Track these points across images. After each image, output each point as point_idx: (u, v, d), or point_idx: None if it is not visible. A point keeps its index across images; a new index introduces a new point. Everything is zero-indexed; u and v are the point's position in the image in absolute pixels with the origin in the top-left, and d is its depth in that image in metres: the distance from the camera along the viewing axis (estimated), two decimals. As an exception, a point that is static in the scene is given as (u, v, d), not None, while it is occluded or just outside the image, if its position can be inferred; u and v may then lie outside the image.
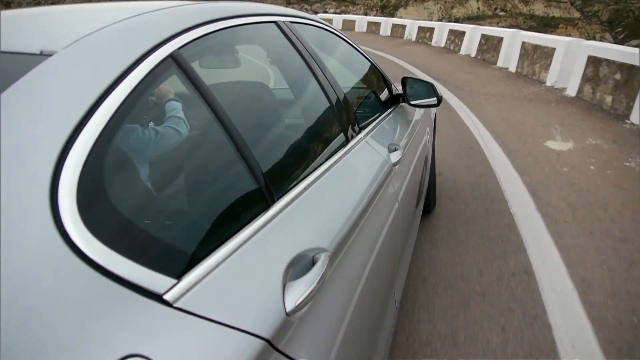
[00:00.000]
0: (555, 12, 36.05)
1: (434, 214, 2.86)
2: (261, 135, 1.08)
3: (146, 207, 0.71)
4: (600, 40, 19.01)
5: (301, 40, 1.31)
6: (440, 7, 35.89)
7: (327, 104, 1.31)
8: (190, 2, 0.97)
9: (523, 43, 7.81)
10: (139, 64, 0.69)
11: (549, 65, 6.86)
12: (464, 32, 10.75)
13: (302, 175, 1.01)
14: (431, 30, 12.79)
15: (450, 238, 2.58)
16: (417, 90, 1.96)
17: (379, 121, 1.66)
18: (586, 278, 2.17)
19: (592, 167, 3.59)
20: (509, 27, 19.95)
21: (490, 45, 9.21)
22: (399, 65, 9.00)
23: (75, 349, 0.45)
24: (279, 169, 1.02)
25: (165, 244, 0.65)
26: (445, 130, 4.47)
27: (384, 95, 1.97)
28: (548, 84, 6.75)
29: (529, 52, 7.60)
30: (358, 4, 36.76)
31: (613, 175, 3.45)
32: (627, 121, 4.81)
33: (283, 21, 1.27)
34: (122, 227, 0.59)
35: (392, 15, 32.68)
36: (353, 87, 1.89)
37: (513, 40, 8.29)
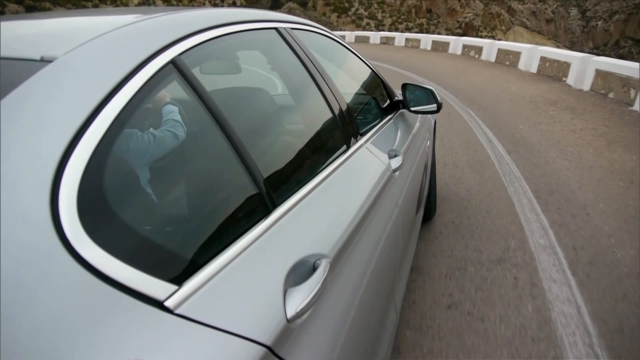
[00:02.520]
0: None
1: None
2: (262, 141, 1.08)
3: (147, 213, 0.71)
4: None
5: (302, 46, 1.31)
6: None
7: (328, 110, 1.31)
8: (191, 9, 0.98)
9: None
10: (140, 69, 0.69)
11: None
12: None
13: (302, 182, 1.01)
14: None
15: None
16: (417, 96, 1.96)
17: (379, 127, 1.66)
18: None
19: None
20: None
21: None
22: None
23: (75, 355, 0.45)
24: (280, 175, 1.01)
25: (166, 250, 0.64)
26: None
27: (385, 101, 1.97)
28: None
29: None
30: None
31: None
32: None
33: (284, 27, 1.27)
34: (123, 233, 0.58)
35: None
36: (353, 94, 1.89)
37: None
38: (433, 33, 45.88)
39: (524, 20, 68.05)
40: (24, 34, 0.81)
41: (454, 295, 2.18)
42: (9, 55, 0.65)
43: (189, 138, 0.96)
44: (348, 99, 1.54)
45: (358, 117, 1.63)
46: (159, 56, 0.74)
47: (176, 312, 0.55)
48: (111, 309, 0.50)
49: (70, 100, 0.60)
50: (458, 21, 61.28)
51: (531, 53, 10.40)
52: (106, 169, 0.59)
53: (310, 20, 1.53)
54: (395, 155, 1.53)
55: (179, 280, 0.59)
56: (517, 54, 11.04)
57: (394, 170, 1.47)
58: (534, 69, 10.02)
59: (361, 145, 1.38)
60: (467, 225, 2.91)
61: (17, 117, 0.54)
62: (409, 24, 60.61)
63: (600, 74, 7.52)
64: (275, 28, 1.24)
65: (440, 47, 15.67)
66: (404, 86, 1.98)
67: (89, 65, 0.66)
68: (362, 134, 1.46)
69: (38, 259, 0.48)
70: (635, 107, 6.23)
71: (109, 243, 0.54)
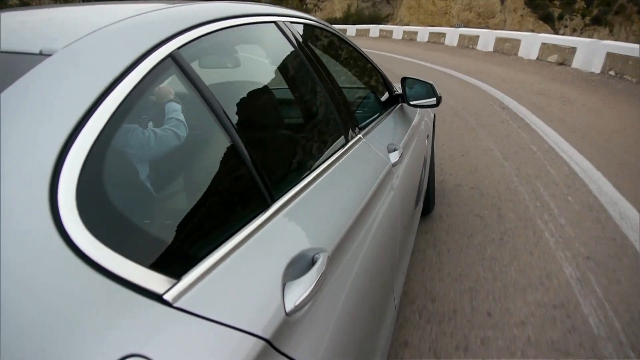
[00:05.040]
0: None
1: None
2: (260, 135, 1.08)
3: (146, 207, 0.71)
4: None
5: (301, 40, 1.31)
6: None
7: (327, 104, 1.31)
8: (190, 2, 0.97)
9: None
10: (139, 63, 0.69)
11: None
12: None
13: (301, 175, 1.01)
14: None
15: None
16: (416, 90, 1.96)
17: (378, 121, 1.66)
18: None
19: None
20: None
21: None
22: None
23: (75, 348, 0.45)
24: (279, 169, 1.02)
25: (164, 244, 0.65)
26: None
27: (384, 95, 1.97)
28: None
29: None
30: None
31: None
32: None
33: (282, 21, 1.27)
34: (122, 227, 0.59)
35: None
36: (353, 87, 1.89)
37: None
38: None
39: None
40: (23, 28, 0.81)
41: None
42: (8, 49, 0.65)
43: (188, 132, 0.96)
44: (347, 92, 1.54)
45: (357, 111, 1.63)
46: (158, 50, 0.74)
47: (175, 305, 0.56)
48: (110, 302, 0.50)
49: (69, 94, 0.60)
50: None
51: None
52: (105, 163, 0.59)
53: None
54: (395, 149, 1.54)
55: (177, 273, 0.59)
56: None
57: (393, 164, 1.47)
58: None
59: (360, 139, 1.38)
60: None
61: (17, 110, 0.54)
62: None
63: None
64: (274, 22, 1.23)
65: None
66: (404, 80, 1.97)
67: (88, 58, 0.66)
68: (362, 128, 1.46)
69: (37, 252, 0.48)
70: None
71: (108, 236, 0.54)
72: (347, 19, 32.69)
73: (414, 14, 31.40)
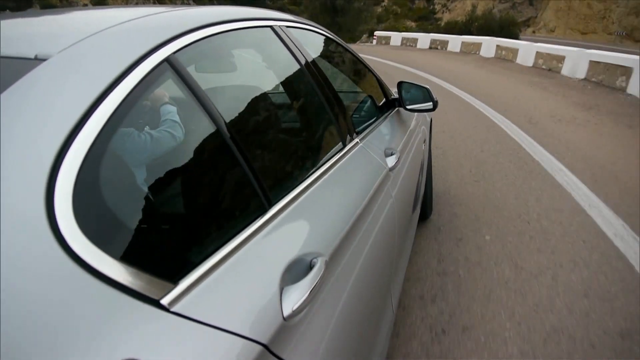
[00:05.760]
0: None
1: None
2: (257, 139, 1.08)
3: (142, 211, 0.71)
4: None
5: (297, 44, 1.31)
6: None
7: (323, 109, 1.31)
8: (186, 7, 0.97)
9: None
10: (135, 67, 0.69)
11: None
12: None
13: (298, 180, 1.01)
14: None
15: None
16: (413, 94, 1.97)
17: (375, 126, 1.66)
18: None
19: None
20: None
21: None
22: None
23: (72, 353, 0.45)
24: (276, 174, 1.01)
25: (161, 249, 0.64)
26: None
27: (381, 99, 1.98)
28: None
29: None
30: None
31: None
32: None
33: (279, 25, 1.27)
34: (119, 232, 0.58)
35: None
36: (349, 92, 1.90)
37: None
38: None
39: None
40: (19, 32, 0.80)
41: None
42: (2, 53, 0.65)
43: (185, 136, 0.96)
44: (344, 97, 1.54)
45: (354, 116, 1.63)
46: (154, 54, 0.74)
47: (172, 310, 0.55)
48: (107, 307, 0.50)
49: (65, 98, 0.59)
50: None
51: None
52: (102, 167, 0.59)
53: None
54: (392, 154, 1.54)
55: (174, 278, 0.59)
56: None
57: (390, 169, 1.47)
58: None
59: (357, 144, 1.38)
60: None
61: (12, 116, 0.54)
62: None
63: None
64: (271, 26, 1.23)
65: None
66: (400, 84, 1.98)
67: (83, 63, 0.65)
68: (358, 132, 1.46)
69: (33, 256, 0.47)
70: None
71: (105, 241, 0.54)
72: (470, 24, 23.33)
73: (561, 18, 26.13)
